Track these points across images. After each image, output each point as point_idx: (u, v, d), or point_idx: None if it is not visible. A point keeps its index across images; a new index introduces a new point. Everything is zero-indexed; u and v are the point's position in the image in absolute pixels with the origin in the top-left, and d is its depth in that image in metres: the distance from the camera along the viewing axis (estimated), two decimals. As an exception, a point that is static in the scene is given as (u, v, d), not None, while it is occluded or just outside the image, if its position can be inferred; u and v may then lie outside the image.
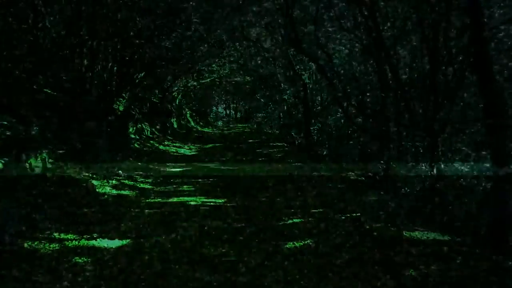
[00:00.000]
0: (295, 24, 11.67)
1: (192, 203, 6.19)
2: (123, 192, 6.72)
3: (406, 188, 6.19)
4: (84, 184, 6.50)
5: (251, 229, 4.62)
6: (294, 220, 5.00)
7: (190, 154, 13.46)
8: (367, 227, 4.52)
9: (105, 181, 7.00)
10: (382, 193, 5.78)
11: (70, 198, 5.66)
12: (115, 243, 4.24)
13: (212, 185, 7.76)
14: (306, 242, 4.18)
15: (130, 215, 5.32)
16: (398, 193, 5.78)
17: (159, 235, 4.49)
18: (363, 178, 8.27)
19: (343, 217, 5.01)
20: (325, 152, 14.13)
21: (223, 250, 3.96)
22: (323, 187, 7.08)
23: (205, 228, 4.71)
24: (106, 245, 4.15)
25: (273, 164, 10.41)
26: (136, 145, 12.73)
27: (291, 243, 4.16)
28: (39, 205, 5.03)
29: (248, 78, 24.42)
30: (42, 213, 4.80)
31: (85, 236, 4.35)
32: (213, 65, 20.96)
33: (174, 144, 15.62)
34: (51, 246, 4.00)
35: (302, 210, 5.42)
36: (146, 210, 5.66)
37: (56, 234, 4.31)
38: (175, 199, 6.44)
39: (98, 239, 4.30)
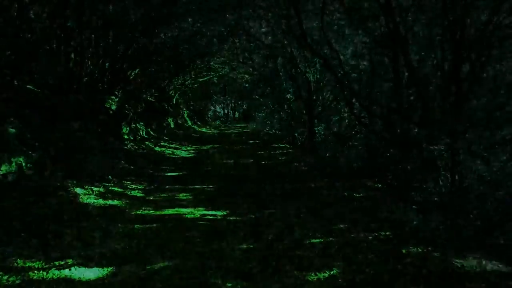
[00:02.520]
0: (300, 17, 10.83)
1: (189, 216, 5.36)
2: (110, 202, 5.88)
3: (436, 199, 5.38)
4: (66, 193, 5.67)
5: (262, 254, 3.79)
6: (312, 240, 4.17)
7: (187, 156, 12.61)
8: (404, 251, 3.70)
9: (90, 189, 6.16)
10: (414, 207, 4.97)
11: (46, 211, 4.82)
12: (94, 273, 3.41)
13: (212, 193, 6.93)
14: (331, 273, 3.35)
15: (116, 232, 4.49)
16: (428, 207, 4.98)
17: (149, 261, 3.66)
18: (379, 185, 7.44)
19: (370, 237, 4.19)
20: (327, 154, 13.33)
21: (229, 285, 3.13)
22: (339, 197, 6.25)
23: (206, 252, 3.87)
24: (81, 277, 3.32)
25: (278, 168, 9.58)
26: (129, 146, 11.86)
27: (313, 274, 3.34)
28: (5, 223, 4.19)
29: (248, 76, 23.62)
30: (7, 233, 3.97)
31: (56, 264, 3.51)
32: (211, 63, 20.17)
33: (171, 145, 14.77)
34: (11, 279, 3.17)
35: (320, 227, 4.58)
36: (136, 226, 4.82)
37: (20, 262, 3.47)
38: (170, 211, 5.61)
39: (72, 268, 3.47)
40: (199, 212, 5.54)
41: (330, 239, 4.18)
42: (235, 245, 4.05)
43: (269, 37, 16.02)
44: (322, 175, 8.37)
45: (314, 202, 5.82)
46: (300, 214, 5.20)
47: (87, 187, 6.21)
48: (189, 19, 11.85)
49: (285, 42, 14.70)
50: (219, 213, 5.49)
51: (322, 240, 4.15)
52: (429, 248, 3.69)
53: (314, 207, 5.52)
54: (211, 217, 5.30)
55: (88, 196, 5.85)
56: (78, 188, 5.99)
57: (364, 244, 3.97)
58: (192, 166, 10.20)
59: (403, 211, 4.98)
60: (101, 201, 5.80)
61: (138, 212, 5.51)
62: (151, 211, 5.60)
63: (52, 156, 6.78)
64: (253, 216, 5.29)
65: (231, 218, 5.22)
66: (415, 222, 4.08)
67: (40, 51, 9.24)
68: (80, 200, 5.61)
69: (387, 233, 4.29)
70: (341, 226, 4.70)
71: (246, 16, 13.42)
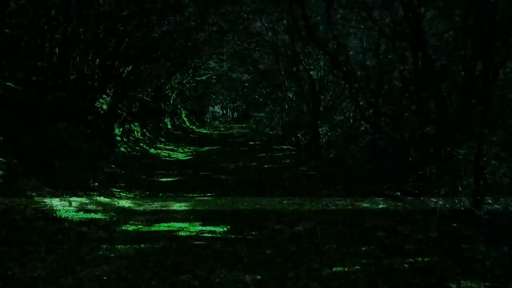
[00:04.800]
0: (305, 9, 10.03)
1: (183, 233, 4.56)
2: (92, 215, 5.08)
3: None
4: (39, 206, 4.86)
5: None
6: (334, 269, 3.37)
7: (184, 158, 11.82)
8: (453, 287, 2.91)
9: (69, 200, 5.34)
10: (454, 224, 4.19)
11: (10, 230, 4.02)
12: (56, 320, 2.62)
13: (210, 203, 6.15)
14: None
15: (93, 257, 3.68)
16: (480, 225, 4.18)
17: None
18: (398, 193, 6.65)
19: (406, 265, 3.40)
20: (331, 155, 12.59)
21: None
22: (356, 210, 5.46)
23: (202, 285, 3.08)
24: (38, 327, 2.54)
25: (282, 173, 8.79)
26: (122, 149, 11.07)
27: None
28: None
29: (247, 75, 22.82)
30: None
31: (9, 307, 2.73)
32: (210, 61, 19.37)
33: (167, 147, 13.98)
34: None
35: (341, 251, 3.79)
36: (120, 246, 4.02)
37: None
38: (161, 226, 4.82)
39: (29, 312, 2.68)
40: (195, 228, 4.75)
41: (356, 267, 3.39)
42: (238, 276, 3.26)
43: (269, 33, 15.26)
44: (331, 180, 7.60)
45: (330, 217, 5.03)
46: (315, 233, 4.41)
47: (66, 197, 5.40)
48: (186, 13, 11.02)
49: (286, 38, 13.96)
50: (218, 229, 4.70)
51: (346, 269, 3.36)
52: (487, 284, 2.90)
53: (331, 224, 4.72)
54: (209, 234, 4.51)
55: (66, 209, 5.05)
56: (55, 199, 5.19)
57: (400, 275, 3.18)
58: (189, 171, 9.42)
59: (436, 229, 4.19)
60: (81, 215, 5.00)
61: (124, 228, 4.72)
62: (140, 226, 4.82)
63: (28, 161, 5.98)
64: (258, 233, 4.51)
65: (232, 236, 4.43)
66: (479, 257, 3.26)
67: (22, 44, 8.46)
68: (56, 214, 4.80)
69: (425, 259, 3.50)
70: (364, 248, 3.90)
71: (246, 10, 12.62)
